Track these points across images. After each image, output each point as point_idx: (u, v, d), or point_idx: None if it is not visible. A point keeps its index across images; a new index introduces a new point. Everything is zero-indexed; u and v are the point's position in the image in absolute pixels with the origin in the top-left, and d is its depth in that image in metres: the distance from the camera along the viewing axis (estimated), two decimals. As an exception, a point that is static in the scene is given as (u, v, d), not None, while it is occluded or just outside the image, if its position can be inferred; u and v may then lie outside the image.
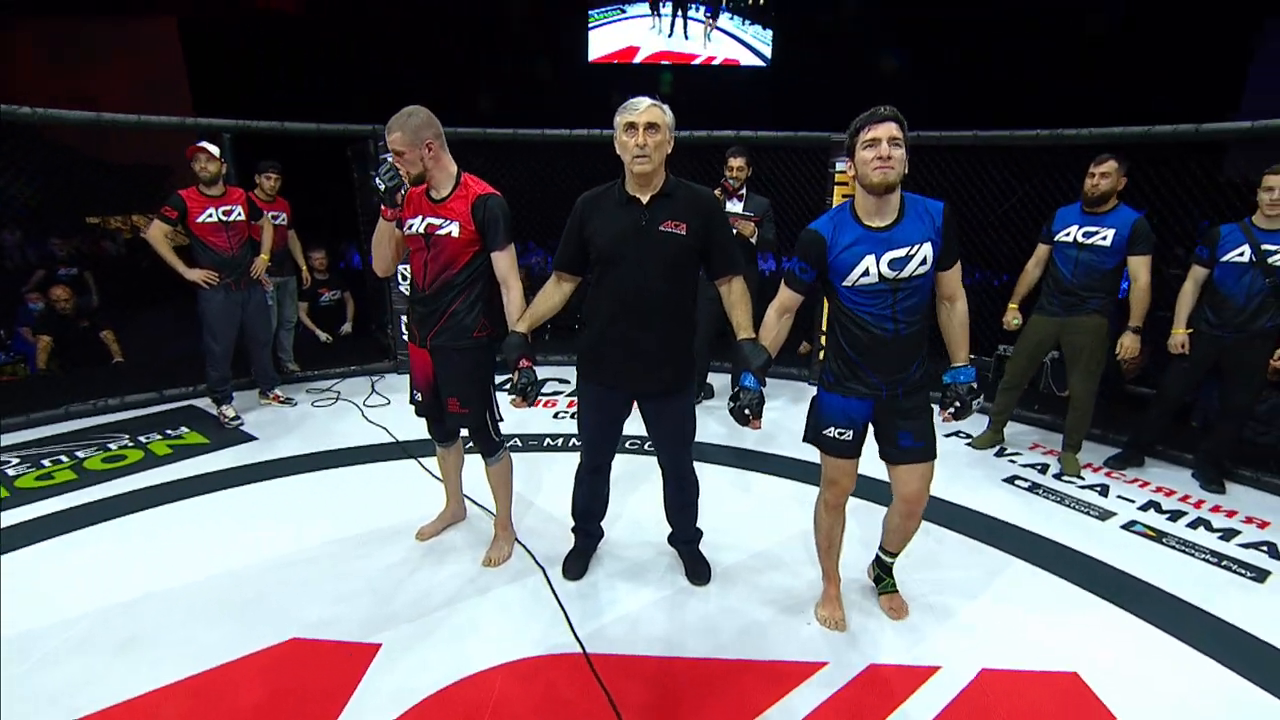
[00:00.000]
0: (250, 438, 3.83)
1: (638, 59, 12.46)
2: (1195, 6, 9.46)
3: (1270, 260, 2.94)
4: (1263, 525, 2.98)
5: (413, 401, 2.55)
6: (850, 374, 2.02)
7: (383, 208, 2.25)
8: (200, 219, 3.81)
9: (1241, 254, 3.03)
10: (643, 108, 1.98)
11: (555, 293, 2.25)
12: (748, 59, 12.63)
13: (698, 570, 2.51)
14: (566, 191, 5.46)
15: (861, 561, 2.51)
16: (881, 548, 2.36)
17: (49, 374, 5.05)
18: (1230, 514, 3.08)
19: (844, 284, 1.94)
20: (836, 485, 2.16)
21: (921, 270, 1.90)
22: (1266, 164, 3.03)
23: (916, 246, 1.88)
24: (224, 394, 4.04)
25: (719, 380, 4.80)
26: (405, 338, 4.75)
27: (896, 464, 2.09)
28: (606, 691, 1.91)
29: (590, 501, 2.54)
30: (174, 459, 3.52)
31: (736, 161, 3.96)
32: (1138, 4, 9.65)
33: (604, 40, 12.58)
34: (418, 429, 3.90)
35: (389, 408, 4.39)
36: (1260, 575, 2.60)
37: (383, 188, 2.16)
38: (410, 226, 2.30)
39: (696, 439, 2.39)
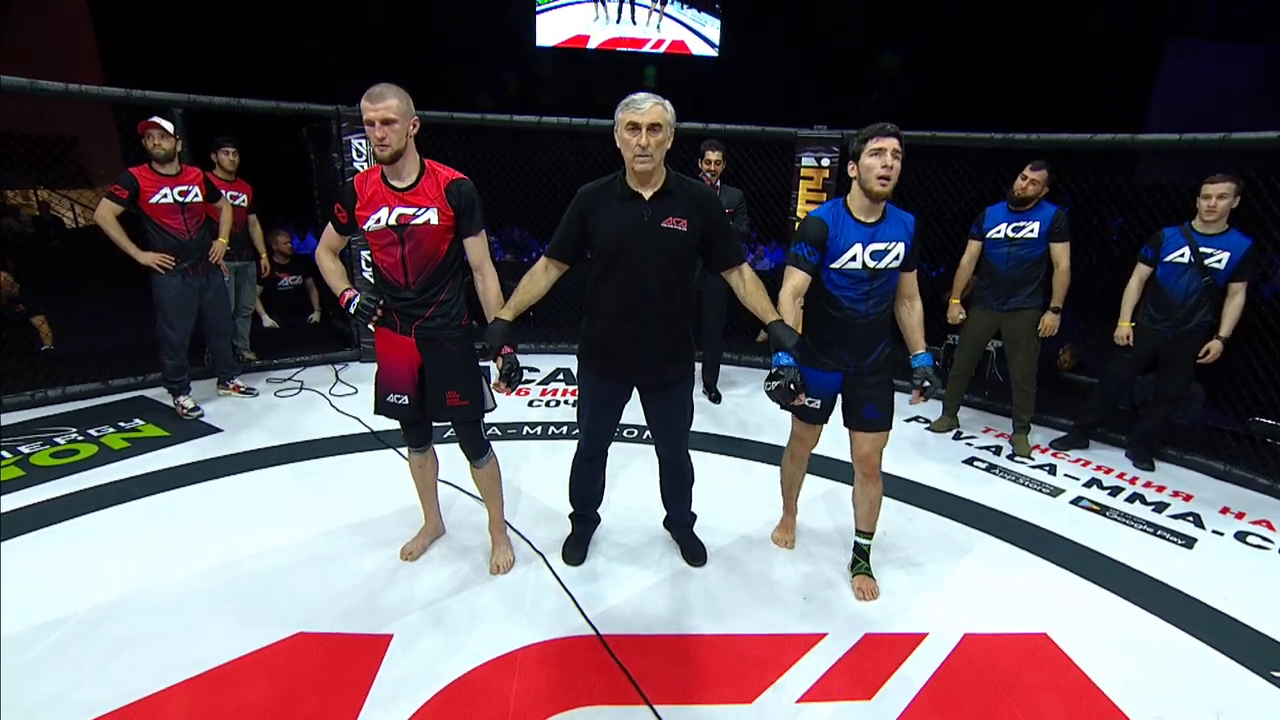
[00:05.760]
0: (213, 429, 3.67)
1: (590, 45, 12.35)
2: (1107, 27, 10.20)
3: (1206, 262, 3.26)
4: (1187, 498, 3.33)
5: (385, 408, 2.31)
6: (823, 349, 2.29)
7: (344, 295, 2.23)
8: (154, 199, 3.59)
9: (1182, 255, 3.34)
10: (646, 107, 1.97)
11: (543, 278, 2.22)
12: (697, 46, 12.73)
13: (694, 551, 2.60)
14: (521, 177, 5.45)
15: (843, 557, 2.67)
16: (857, 531, 2.51)
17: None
18: (1160, 489, 3.41)
19: (833, 266, 2.20)
20: (802, 442, 2.53)
21: (894, 265, 2.21)
22: (1166, 174, 3.36)
23: (894, 244, 2.20)
24: (181, 384, 3.85)
25: (730, 371, 4.99)
26: (365, 328, 4.63)
27: (858, 431, 2.36)
28: (626, 670, 1.98)
29: (589, 488, 2.59)
30: (132, 453, 3.33)
31: (714, 155, 4.03)
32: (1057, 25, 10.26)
33: (553, 26, 12.39)
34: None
35: (357, 397, 4.28)
36: (1189, 542, 2.91)
37: (363, 320, 2.20)
38: (376, 221, 2.10)
39: None
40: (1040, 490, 3.33)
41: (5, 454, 3.24)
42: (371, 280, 2.45)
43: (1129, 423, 3.97)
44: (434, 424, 2.45)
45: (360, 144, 4.60)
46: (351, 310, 2.19)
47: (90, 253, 4.37)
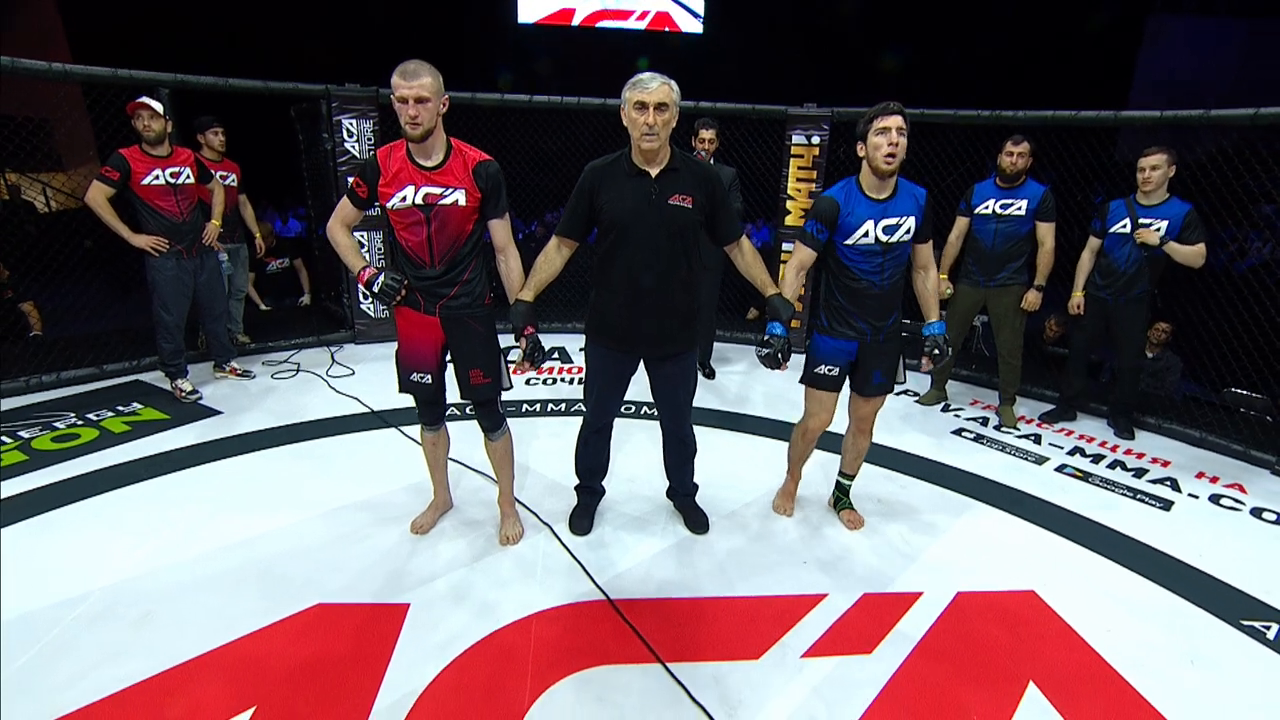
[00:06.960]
0: (213, 412, 3.68)
1: (575, 21, 12.19)
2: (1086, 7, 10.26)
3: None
4: (1165, 464, 3.47)
5: (409, 386, 2.34)
6: (842, 320, 2.43)
7: (363, 273, 2.19)
8: (145, 181, 3.56)
9: (1124, 226, 3.48)
10: (654, 87, 2.03)
11: (556, 257, 2.29)
12: (683, 18, 12.60)
13: (697, 520, 2.69)
14: (510, 157, 5.41)
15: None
16: (841, 472, 2.80)
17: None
18: (1140, 456, 3.55)
19: (846, 243, 2.32)
20: (816, 418, 2.58)
21: (905, 238, 2.32)
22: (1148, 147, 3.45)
23: (905, 218, 2.30)
24: (178, 367, 3.85)
25: (722, 348, 5.04)
26: (372, 312, 4.64)
27: (863, 395, 2.53)
28: (636, 631, 2.06)
29: (595, 460, 2.66)
30: (133, 436, 3.34)
31: (707, 133, 4.06)
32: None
33: (536, 1, 12.19)
34: (390, 398, 3.88)
35: (354, 378, 4.30)
36: (1166, 505, 3.05)
37: (388, 300, 2.19)
38: (401, 199, 2.08)
39: None
40: (1026, 459, 3.45)
41: (5, 439, 3.24)
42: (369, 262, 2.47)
43: (1110, 394, 4.10)
44: (450, 401, 2.49)
45: (351, 124, 4.57)
46: (375, 289, 2.16)
47: (66, 238, 4.31)
